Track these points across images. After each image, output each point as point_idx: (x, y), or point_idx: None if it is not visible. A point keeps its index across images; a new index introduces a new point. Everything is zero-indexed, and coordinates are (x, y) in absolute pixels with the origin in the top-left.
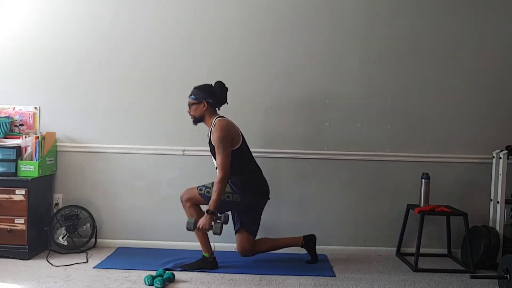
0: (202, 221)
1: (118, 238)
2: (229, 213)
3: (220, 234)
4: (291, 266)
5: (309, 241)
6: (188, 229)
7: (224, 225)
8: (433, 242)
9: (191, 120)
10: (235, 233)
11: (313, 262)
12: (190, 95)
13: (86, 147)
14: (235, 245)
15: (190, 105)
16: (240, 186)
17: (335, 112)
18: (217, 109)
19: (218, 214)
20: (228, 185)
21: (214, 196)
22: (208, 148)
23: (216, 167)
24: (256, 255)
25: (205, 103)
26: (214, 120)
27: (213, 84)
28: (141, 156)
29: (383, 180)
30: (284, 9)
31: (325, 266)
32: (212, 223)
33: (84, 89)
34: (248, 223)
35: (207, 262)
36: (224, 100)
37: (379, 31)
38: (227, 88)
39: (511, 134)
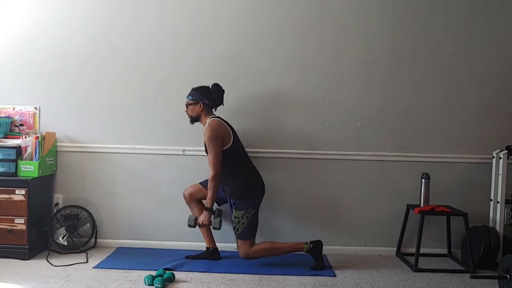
0: (201, 218)
1: (118, 238)
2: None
3: (219, 228)
4: (291, 266)
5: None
6: (189, 225)
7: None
8: (433, 242)
9: (188, 120)
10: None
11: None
12: (188, 95)
13: (86, 147)
14: (235, 245)
15: (187, 105)
16: (243, 198)
17: (335, 112)
18: (213, 110)
19: (213, 209)
20: (241, 211)
21: (209, 193)
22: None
23: None
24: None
25: (201, 104)
26: (208, 120)
27: (210, 86)
28: (141, 156)
29: (383, 180)
30: (284, 9)
31: (325, 266)
32: (211, 218)
33: (84, 89)
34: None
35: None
36: (220, 102)
37: (380, 31)
38: (223, 90)
39: (511, 134)
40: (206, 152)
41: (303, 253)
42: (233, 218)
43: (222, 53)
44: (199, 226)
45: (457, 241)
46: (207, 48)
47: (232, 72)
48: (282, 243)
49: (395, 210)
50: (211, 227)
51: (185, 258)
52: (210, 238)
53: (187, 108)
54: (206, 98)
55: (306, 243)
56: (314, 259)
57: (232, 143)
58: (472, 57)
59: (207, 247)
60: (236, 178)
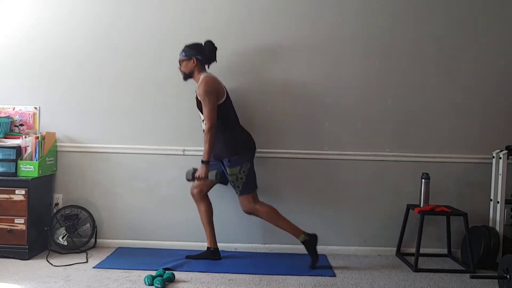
0: (199, 171)
1: (118, 238)
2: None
3: (216, 180)
4: (291, 266)
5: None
6: (187, 179)
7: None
8: (433, 242)
9: (182, 76)
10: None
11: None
12: (181, 52)
13: (86, 147)
14: (235, 245)
15: (180, 61)
16: (237, 154)
17: (335, 112)
18: (206, 67)
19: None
20: (236, 167)
21: (205, 147)
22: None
23: (202, 120)
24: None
25: (195, 60)
26: (202, 76)
27: (203, 43)
28: (141, 156)
29: (383, 180)
30: (284, 8)
31: (325, 266)
32: (209, 171)
33: (84, 89)
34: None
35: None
36: (213, 58)
37: (380, 31)
38: (216, 47)
39: (511, 134)
40: (198, 108)
41: (302, 253)
42: (229, 177)
43: (222, 53)
44: (197, 180)
45: (457, 241)
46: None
47: (232, 71)
48: (285, 219)
49: (395, 210)
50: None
51: (185, 258)
52: (212, 238)
53: (180, 64)
54: (199, 54)
55: (304, 233)
56: (308, 251)
57: (225, 99)
58: (472, 57)
59: (208, 247)
60: (227, 136)
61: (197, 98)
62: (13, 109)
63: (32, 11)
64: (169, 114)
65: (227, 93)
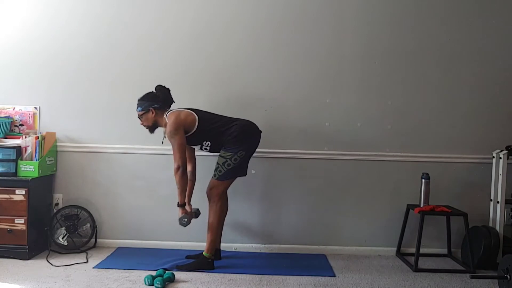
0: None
1: (118, 238)
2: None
3: (185, 226)
4: (291, 266)
5: (207, 262)
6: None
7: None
8: (433, 242)
9: (147, 131)
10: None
11: (189, 267)
12: (137, 107)
13: (86, 147)
14: (235, 245)
15: (139, 117)
16: (236, 142)
17: (335, 112)
18: (167, 109)
19: (193, 210)
20: (225, 151)
21: (178, 190)
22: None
23: (199, 149)
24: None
25: (153, 110)
26: (166, 116)
27: (154, 90)
28: (141, 156)
29: (383, 180)
30: (284, 9)
31: (325, 266)
32: (180, 215)
33: (84, 89)
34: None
35: (206, 263)
36: (170, 101)
37: (380, 31)
38: (168, 89)
39: (511, 134)
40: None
41: (302, 253)
42: (217, 159)
43: (222, 53)
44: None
45: (457, 241)
46: (207, 48)
47: (232, 71)
48: (221, 228)
49: (395, 210)
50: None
51: (185, 258)
52: (214, 245)
53: (141, 120)
54: (155, 103)
55: (213, 254)
56: (191, 264)
57: (199, 122)
58: (472, 57)
59: (204, 254)
60: (225, 137)
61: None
62: (13, 109)
63: (33, 11)
64: None
65: (197, 114)
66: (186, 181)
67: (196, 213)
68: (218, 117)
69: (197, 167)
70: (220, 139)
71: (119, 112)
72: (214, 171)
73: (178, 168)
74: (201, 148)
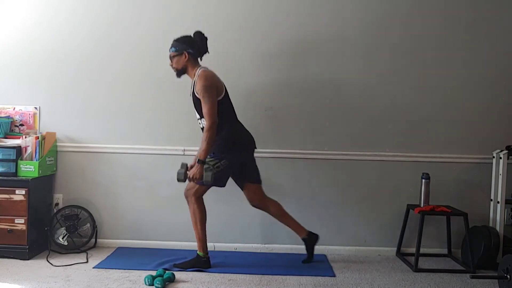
0: (192, 171)
1: (118, 238)
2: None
3: (211, 182)
4: (291, 266)
5: (311, 238)
6: (178, 180)
7: (219, 218)
8: (433, 242)
9: (174, 73)
10: (242, 189)
11: (309, 261)
12: (170, 47)
13: (86, 147)
14: (235, 245)
15: (171, 57)
16: (223, 150)
17: (335, 112)
18: (199, 59)
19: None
20: (214, 160)
21: (203, 145)
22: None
23: (198, 118)
24: (264, 210)
25: (186, 54)
26: (198, 71)
27: (192, 35)
28: (141, 156)
29: (383, 180)
30: (284, 7)
31: (325, 266)
32: (203, 172)
33: (84, 89)
34: (248, 176)
35: (201, 262)
36: (205, 50)
37: (380, 31)
38: (206, 37)
39: (511, 134)
40: (194, 106)
41: (302, 253)
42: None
43: (222, 53)
44: (189, 180)
45: (457, 241)
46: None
47: (232, 70)
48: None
49: (395, 210)
50: None
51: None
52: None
53: (171, 61)
54: (190, 47)
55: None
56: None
57: (224, 96)
58: (472, 57)
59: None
60: (222, 135)
61: (193, 94)
62: (13, 109)
63: (33, 11)
64: (169, 114)
65: (225, 88)
66: (214, 138)
67: (213, 176)
68: (231, 109)
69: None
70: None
71: (119, 112)
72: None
73: (213, 124)
74: (198, 119)
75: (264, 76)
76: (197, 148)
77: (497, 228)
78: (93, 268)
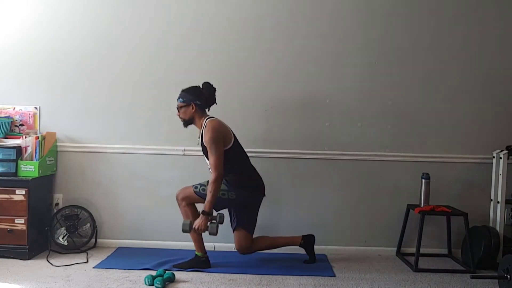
0: (197, 222)
1: (118, 238)
2: (224, 212)
3: (216, 234)
4: (291, 266)
5: (307, 241)
6: (184, 231)
7: (220, 225)
8: (433, 242)
9: (181, 123)
10: (233, 231)
11: (311, 262)
12: (178, 98)
13: (86, 147)
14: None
15: (179, 108)
16: (235, 184)
17: (335, 112)
18: (206, 110)
19: (214, 215)
20: (223, 183)
21: (209, 197)
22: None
23: (209, 168)
24: (254, 253)
25: (194, 105)
26: (205, 121)
27: (201, 86)
28: (141, 156)
29: (383, 180)
30: (284, 8)
31: (325, 266)
32: (208, 223)
33: (84, 89)
34: (245, 221)
35: (200, 262)
36: (212, 101)
37: (380, 31)
38: (215, 88)
39: (511, 134)
40: (204, 154)
41: (302, 253)
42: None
43: (222, 53)
44: (195, 231)
45: (457, 241)
46: (207, 48)
47: (232, 71)
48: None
49: (395, 210)
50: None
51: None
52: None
53: (178, 111)
54: (198, 99)
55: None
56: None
57: (233, 144)
58: (472, 57)
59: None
60: (230, 177)
61: (202, 143)
62: (13, 109)
63: (33, 11)
64: (169, 114)
65: (234, 136)
66: (219, 190)
67: (221, 218)
68: (243, 154)
69: (196, 167)
70: (225, 174)
71: (119, 112)
72: (198, 184)
73: (219, 176)
74: (209, 168)
75: (264, 75)
76: (197, 148)
77: (497, 228)
78: (93, 268)
